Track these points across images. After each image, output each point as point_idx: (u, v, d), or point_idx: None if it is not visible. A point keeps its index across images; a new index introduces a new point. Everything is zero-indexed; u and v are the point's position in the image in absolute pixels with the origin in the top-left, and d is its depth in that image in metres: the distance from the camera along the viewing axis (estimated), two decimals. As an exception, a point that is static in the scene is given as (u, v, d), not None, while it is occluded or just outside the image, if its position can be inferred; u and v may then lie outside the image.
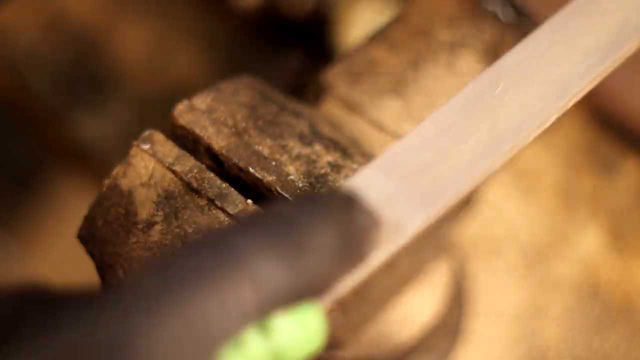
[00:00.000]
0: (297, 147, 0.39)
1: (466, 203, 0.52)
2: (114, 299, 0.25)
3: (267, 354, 0.27)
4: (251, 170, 0.38)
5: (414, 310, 0.54)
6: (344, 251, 0.29)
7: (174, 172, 0.38)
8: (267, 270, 0.26)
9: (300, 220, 0.28)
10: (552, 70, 0.34)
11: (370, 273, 0.31)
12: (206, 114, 0.39)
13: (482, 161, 0.32)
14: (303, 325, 0.28)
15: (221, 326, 0.25)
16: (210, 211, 0.37)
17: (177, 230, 0.37)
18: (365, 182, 0.31)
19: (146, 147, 0.39)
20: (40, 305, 0.25)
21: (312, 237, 0.28)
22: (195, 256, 0.26)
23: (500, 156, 0.33)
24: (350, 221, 0.29)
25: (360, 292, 0.45)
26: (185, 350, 0.25)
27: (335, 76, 0.43)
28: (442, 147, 0.32)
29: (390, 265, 0.47)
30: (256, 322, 0.27)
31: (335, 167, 0.39)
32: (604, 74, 0.35)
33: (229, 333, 0.26)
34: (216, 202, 0.37)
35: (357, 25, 0.59)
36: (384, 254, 0.31)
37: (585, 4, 0.36)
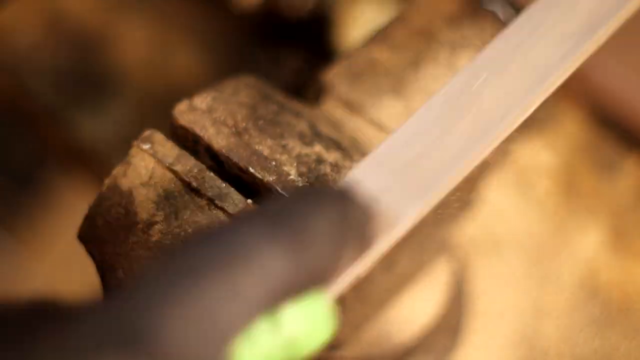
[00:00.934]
0: (297, 147, 0.39)
1: (466, 203, 0.52)
2: (127, 294, 0.25)
3: (279, 345, 0.27)
4: (251, 170, 0.38)
5: (414, 310, 0.54)
6: (345, 240, 0.29)
7: (174, 172, 0.38)
8: (273, 261, 0.27)
9: (300, 211, 0.28)
10: (530, 59, 0.35)
11: (370, 265, 0.32)
12: (206, 113, 0.39)
13: (469, 151, 0.33)
14: (312, 316, 0.28)
15: (233, 318, 0.26)
16: (210, 211, 0.37)
17: (177, 230, 0.37)
18: (360, 177, 0.32)
19: (146, 147, 0.39)
20: (52, 316, 0.25)
21: (313, 226, 0.28)
22: (202, 250, 0.26)
23: (487, 145, 0.34)
24: (348, 211, 0.29)
25: (361, 292, 0.45)
26: (201, 340, 0.25)
27: (335, 76, 0.43)
28: (430, 139, 0.33)
29: (390, 264, 0.47)
30: (266, 314, 0.27)
31: (335, 167, 0.39)
32: (580, 60, 0.36)
33: (241, 325, 0.26)
34: (216, 202, 0.37)
35: (358, 25, 0.59)
36: (382, 245, 0.31)
37: None
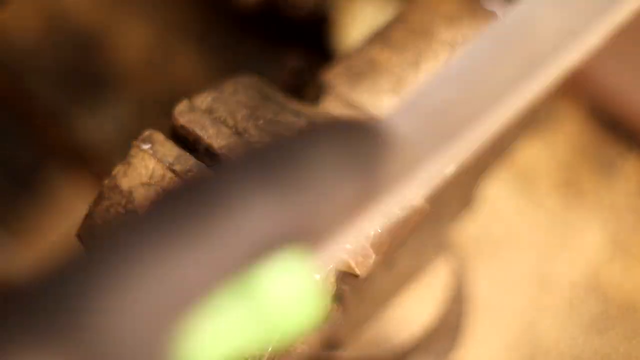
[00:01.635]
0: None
1: (467, 203, 0.52)
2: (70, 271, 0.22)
3: (251, 320, 0.22)
4: (251, 170, 0.38)
5: (414, 310, 0.54)
6: (353, 185, 0.24)
7: (174, 171, 0.38)
8: (256, 212, 0.22)
9: (299, 151, 0.24)
10: None
11: (391, 219, 0.28)
12: (206, 113, 0.39)
13: (511, 97, 0.29)
14: (298, 283, 0.23)
15: (192, 287, 0.22)
16: (211, 211, 0.37)
17: (177, 230, 0.37)
18: (388, 119, 0.28)
19: (146, 147, 0.39)
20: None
21: (311, 169, 0.23)
22: (172, 211, 0.22)
23: (531, 89, 0.29)
24: (357, 146, 0.24)
25: (360, 292, 0.45)
26: (146, 322, 0.21)
27: (335, 76, 0.43)
28: (469, 83, 0.29)
29: (390, 264, 0.47)
30: (237, 278, 0.22)
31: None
32: None
33: (200, 295, 0.22)
34: (216, 202, 0.37)
35: (357, 24, 0.59)
36: (404, 196, 0.26)
37: None
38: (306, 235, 0.23)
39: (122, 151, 0.39)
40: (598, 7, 0.30)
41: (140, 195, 0.38)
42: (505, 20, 0.30)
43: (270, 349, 0.36)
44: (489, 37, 0.30)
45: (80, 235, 0.39)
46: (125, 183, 0.38)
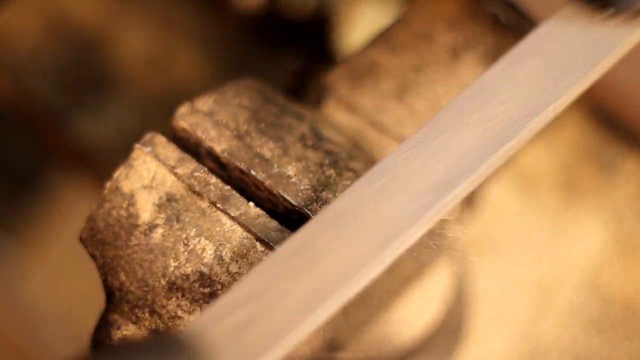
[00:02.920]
0: (298, 150, 0.39)
1: (467, 204, 0.52)
2: None
3: None
4: (253, 172, 0.38)
5: (415, 312, 0.54)
6: None
7: (175, 174, 0.38)
8: None
9: None
10: (383, 213, 0.33)
11: None
12: (208, 116, 0.39)
13: (311, 309, 0.31)
14: None
15: None
16: (212, 214, 0.37)
17: (179, 232, 0.37)
18: (197, 329, 0.30)
19: (148, 149, 0.39)
20: None
21: None
22: None
23: (328, 306, 0.32)
24: None
25: (361, 293, 0.45)
26: None
27: (336, 78, 0.43)
28: (269, 299, 0.31)
29: (391, 266, 0.47)
30: None
31: (337, 169, 0.39)
32: (439, 215, 0.34)
33: None
34: (218, 205, 0.37)
35: (359, 26, 0.59)
36: None
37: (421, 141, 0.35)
38: None
39: (123, 152, 0.39)
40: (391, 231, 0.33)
41: (142, 197, 0.38)
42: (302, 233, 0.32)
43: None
44: (282, 254, 0.32)
45: (82, 239, 0.39)
46: (126, 186, 0.38)
